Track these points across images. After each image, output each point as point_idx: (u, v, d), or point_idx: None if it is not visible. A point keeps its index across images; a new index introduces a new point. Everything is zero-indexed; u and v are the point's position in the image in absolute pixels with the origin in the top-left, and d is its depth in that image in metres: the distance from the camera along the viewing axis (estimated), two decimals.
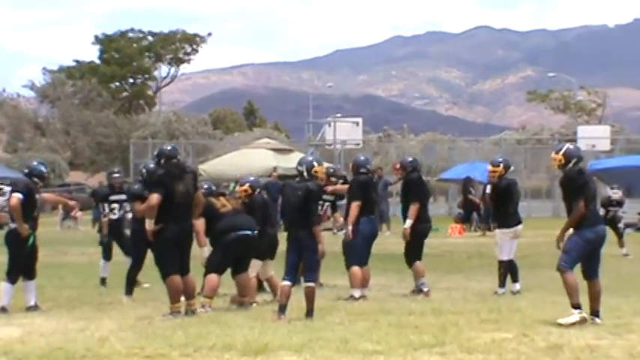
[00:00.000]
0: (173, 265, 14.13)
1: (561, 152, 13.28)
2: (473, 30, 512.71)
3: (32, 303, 15.45)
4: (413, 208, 16.86)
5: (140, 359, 10.62)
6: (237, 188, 16.18)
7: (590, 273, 13.09)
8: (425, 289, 16.63)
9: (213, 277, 14.99)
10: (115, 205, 18.97)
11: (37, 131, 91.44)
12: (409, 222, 16.75)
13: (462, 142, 69.84)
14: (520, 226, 17.30)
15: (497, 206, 17.35)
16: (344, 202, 17.50)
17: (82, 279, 19.85)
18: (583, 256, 12.97)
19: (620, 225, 26.36)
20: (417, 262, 16.80)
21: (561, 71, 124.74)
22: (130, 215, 18.91)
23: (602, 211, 28.99)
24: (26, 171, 15.94)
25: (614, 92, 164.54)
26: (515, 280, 16.98)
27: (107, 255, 19.22)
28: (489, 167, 17.53)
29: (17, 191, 15.32)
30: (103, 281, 18.90)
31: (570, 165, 13.18)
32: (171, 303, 14.17)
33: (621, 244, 26.01)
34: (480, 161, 49.23)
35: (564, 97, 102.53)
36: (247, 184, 15.90)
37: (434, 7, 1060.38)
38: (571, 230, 12.99)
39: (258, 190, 16.00)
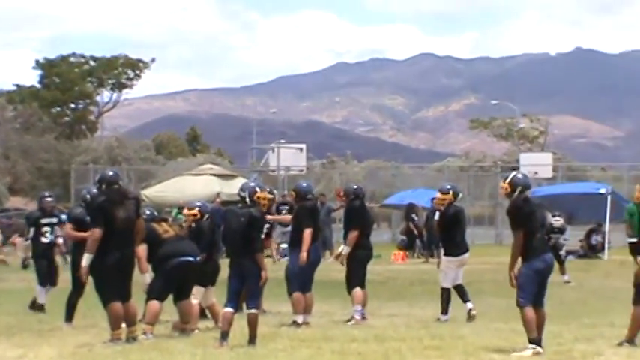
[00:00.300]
0: (114, 292, 14.05)
1: (507, 181, 13.33)
2: (417, 57, 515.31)
3: None
4: (352, 235, 16.93)
5: None
6: (186, 212, 16.15)
7: (537, 301, 13.12)
8: (357, 317, 16.62)
9: (154, 303, 14.91)
10: (47, 229, 18.95)
11: None
12: (346, 249, 16.83)
13: (405, 168, 70.02)
14: (467, 254, 17.36)
15: (445, 234, 17.41)
16: (288, 229, 17.53)
17: (22, 305, 19.68)
18: (536, 286, 12.99)
19: (562, 252, 26.51)
20: (357, 289, 16.78)
21: (504, 99, 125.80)
22: (60, 240, 18.94)
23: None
24: None
25: (556, 120, 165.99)
26: (465, 300, 17.03)
27: (43, 280, 19.09)
28: (438, 195, 17.65)
29: None
30: (41, 307, 18.78)
31: (516, 194, 13.19)
32: (112, 329, 14.08)
33: (563, 271, 26.16)
34: (424, 188, 49.41)
35: (507, 124, 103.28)
36: (196, 209, 15.90)
37: (378, 34, 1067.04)
38: (519, 261, 13.00)
39: (206, 215, 15.99)
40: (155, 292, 14.98)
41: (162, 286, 15.07)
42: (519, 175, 13.63)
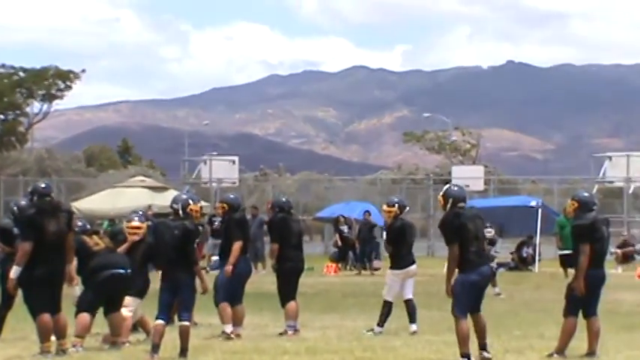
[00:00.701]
0: (43, 304, 13.94)
1: (441, 193, 13.40)
2: (349, 69, 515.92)
3: None
4: (272, 247, 16.97)
5: None
6: (129, 224, 15.90)
7: (475, 309, 13.19)
8: (290, 332, 16.57)
9: (84, 316, 14.82)
10: None
11: None
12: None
13: (338, 181, 70.22)
14: (412, 267, 17.25)
15: (391, 246, 17.34)
16: (218, 240, 17.48)
17: None
18: (472, 298, 13.04)
19: (493, 264, 26.55)
20: (291, 302, 16.72)
21: (436, 111, 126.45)
22: None
23: None
24: None
25: (488, 133, 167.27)
26: (412, 321, 16.97)
27: None
28: (384, 207, 17.58)
29: None
30: None
31: (448, 205, 13.29)
32: (42, 342, 13.98)
33: (494, 284, 26.26)
34: (356, 200, 49.54)
35: (439, 137, 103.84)
36: (137, 220, 15.70)
37: (311, 46, 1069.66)
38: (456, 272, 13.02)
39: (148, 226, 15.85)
40: (85, 305, 14.89)
41: (93, 298, 14.97)
42: (454, 188, 13.67)
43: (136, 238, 15.55)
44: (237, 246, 16.16)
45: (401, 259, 17.14)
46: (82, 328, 14.76)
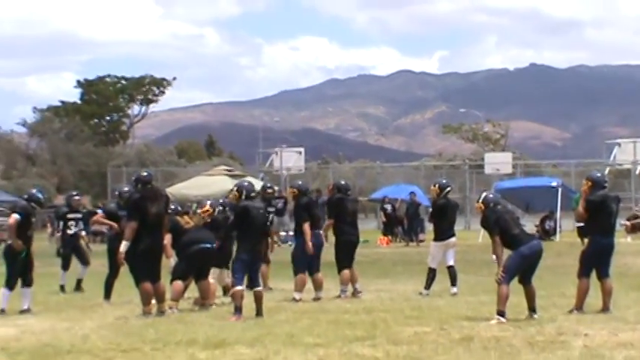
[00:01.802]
0: (145, 274, 14.07)
1: (480, 200, 13.46)
2: (396, 73, 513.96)
3: (26, 307, 15.36)
4: (327, 223, 16.96)
5: (117, 353, 10.56)
6: (200, 210, 16.03)
7: (526, 279, 13.16)
8: (342, 295, 16.47)
9: (178, 283, 14.94)
10: (72, 222, 18.90)
11: (28, 162, 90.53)
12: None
13: (387, 167, 69.99)
14: (453, 239, 17.14)
15: (433, 221, 17.30)
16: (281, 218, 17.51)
17: (68, 286, 19.68)
18: (521, 269, 12.98)
19: None
20: (344, 271, 16.60)
21: (470, 107, 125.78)
22: (84, 232, 18.94)
23: None
24: (26, 197, 15.93)
25: (515, 125, 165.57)
26: (453, 284, 16.85)
27: (66, 265, 19.11)
28: (431, 187, 17.63)
29: (15, 212, 15.36)
30: (62, 288, 18.72)
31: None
32: (144, 305, 14.11)
33: None
34: (404, 183, 49.39)
35: (473, 129, 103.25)
36: (207, 205, 15.75)
37: (363, 54, 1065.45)
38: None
39: (217, 209, 15.89)
40: (178, 273, 15.02)
41: (185, 268, 15.09)
42: (490, 195, 13.67)
43: (208, 219, 15.60)
44: (306, 226, 16.11)
45: (442, 232, 17.02)
46: (177, 293, 14.89)
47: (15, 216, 15.25)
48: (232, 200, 14.59)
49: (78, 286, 18.88)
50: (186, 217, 16.05)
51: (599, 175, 14.34)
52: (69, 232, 18.89)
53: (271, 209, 17.93)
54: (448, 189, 17.36)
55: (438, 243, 17.04)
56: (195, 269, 15.18)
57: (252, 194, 14.09)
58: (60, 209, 20.41)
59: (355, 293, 16.60)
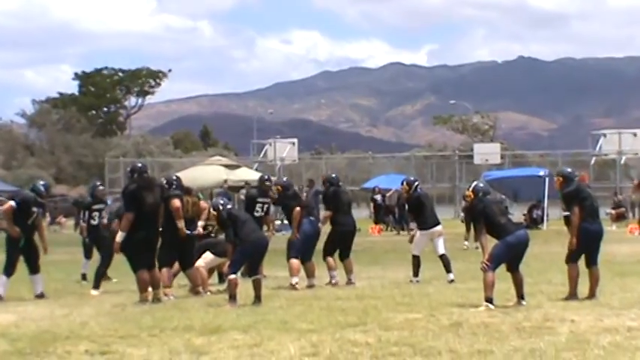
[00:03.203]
0: (142, 262, 14.06)
1: (470, 189, 13.45)
2: (387, 66, 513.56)
3: (39, 292, 15.40)
4: (325, 214, 17.05)
5: (114, 339, 10.56)
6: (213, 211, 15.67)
7: (514, 267, 13.16)
8: (333, 281, 16.53)
9: (166, 269, 14.79)
10: (96, 213, 18.72)
11: (27, 152, 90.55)
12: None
13: (380, 157, 70.07)
14: (438, 227, 17.18)
15: (413, 214, 17.45)
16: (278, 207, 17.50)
17: (66, 273, 19.70)
18: (507, 257, 12.97)
19: None
20: (328, 259, 16.69)
21: (460, 99, 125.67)
22: (105, 220, 18.74)
23: (464, 204, 29.17)
24: (30, 187, 16.01)
25: (503, 116, 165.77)
26: (448, 271, 16.88)
27: (88, 254, 19.01)
28: (401, 187, 17.86)
29: (13, 199, 15.38)
30: (84, 276, 18.68)
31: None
32: (141, 293, 14.10)
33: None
34: (395, 173, 49.47)
35: (462, 120, 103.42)
36: (212, 208, 14.36)
37: (354, 47, 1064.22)
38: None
39: (221, 208, 15.18)
40: (164, 261, 14.76)
41: (168, 255, 14.89)
42: (481, 184, 13.69)
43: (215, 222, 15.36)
44: (297, 210, 16.20)
45: (425, 221, 17.09)
46: (167, 279, 14.74)
47: (10, 203, 15.29)
48: (214, 219, 14.27)
49: (84, 277, 18.74)
50: (190, 198, 15.66)
51: (569, 170, 14.50)
52: (92, 222, 18.69)
53: (267, 200, 18.03)
54: (416, 183, 17.51)
55: (423, 232, 17.10)
56: (177, 256, 15.05)
57: (228, 205, 13.96)
58: (84, 200, 20.28)
59: (348, 283, 16.60)
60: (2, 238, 16.35)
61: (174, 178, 15.63)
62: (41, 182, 16.21)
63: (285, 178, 17.76)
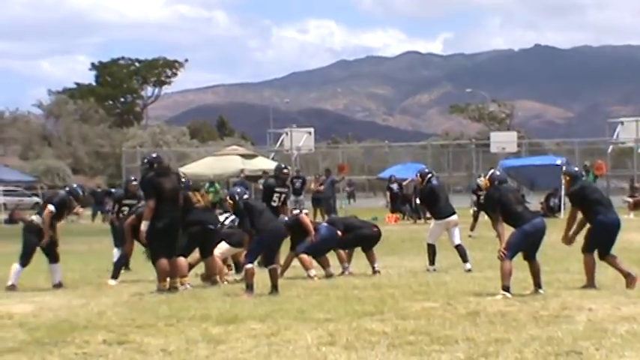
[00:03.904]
0: (163, 251, 14.08)
1: (487, 177, 13.45)
2: (403, 54, 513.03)
3: (57, 281, 15.49)
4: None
5: (132, 329, 10.58)
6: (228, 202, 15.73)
7: (531, 256, 13.12)
8: (346, 272, 16.49)
9: (181, 259, 14.57)
10: (125, 208, 18.49)
11: (44, 142, 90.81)
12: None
13: (396, 146, 69.93)
14: (453, 217, 17.19)
15: (426, 204, 17.48)
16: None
17: (84, 264, 19.76)
18: (524, 245, 12.94)
19: None
20: (338, 250, 16.68)
21: (476, 87, 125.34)
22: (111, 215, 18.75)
23: (474, 197, 29.26)
24: (67, 189, 16.12)
25: (520, 104, 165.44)
26: (465, 260, 16.85)
27: (118, 242, 18.91)
28: (416, 177, 17.92)
29: (52, 203, 15.45)
30: (127, 265, 18.29)
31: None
32: (159, 282, 14.14)
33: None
34: (412, 162, 49.37)
35: (479, 108, 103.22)
36: (228, 197, 14.28)
37: (370, 36, 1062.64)
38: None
39: (237, 198, 15.08)
40: (180, 251, 14.72)
41: (186, 246, 14.94)
42: (497, 173, 13.65)
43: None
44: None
45: (439, 212, 17.10)
46: (182, 268, 14.71)
47: (50, 208, 15.35)
48: (230, 207, 14.25)
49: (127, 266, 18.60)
50: (197, 194, 15.86)
51: (576, 169, 14.68)
52: (121, 216, 18.59)
53: (284, 189, 18.06)
54: (430, 175, 17.47)
55: (438, 222, 17.12)
56: (195, 248, 15.15)
57: (245, 195, 13.93)
58: (117, 193, 20.24)
59: (374, 272, 16.53)
60: (19, 228, 16.43)
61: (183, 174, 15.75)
62: (75, 185, 16.33)
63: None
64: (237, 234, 15.12)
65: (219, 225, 15.32)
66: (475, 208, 27.93)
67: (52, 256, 15.53)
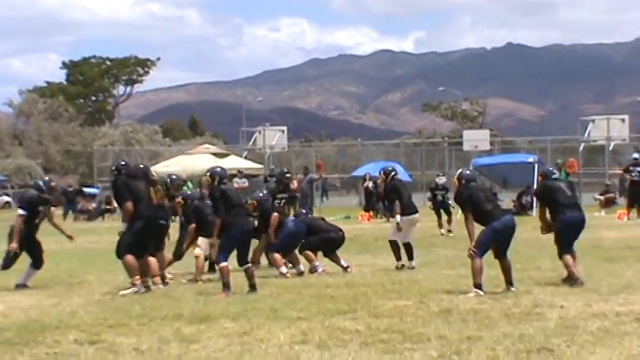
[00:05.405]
0: (131, 248, 14.03)
1: (456, 176, 13.47)
2: (377, 53, 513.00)
3: (23, 282, 15.26)
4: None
5: (104, 328, 10.55)
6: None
7: (501, 254, 13.19)
8: (319, 270, 16.38)
9: (150, 259, 14.42)
10: None
11: (15, 141, 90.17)
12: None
13: (369, 145, 69.97)
14: (416, 215, 17.29)
15: (391, 200, 17.50)
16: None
17: (55, 263, 19.62)
18: (494, 243, 13.02)
19: (452, 203, 25.80)
20: (306, 252, 16.57)
21: (449, 85, 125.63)
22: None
23: (429, 195, 29.46)
24: (31, 184, 16.08)
25: (492, 102, 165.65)
26: (411, 259, 16.93)
27: None
28: (379, 174, 18.03)
29: (20, 207, 15.40)
30: None
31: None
32: (131, 277, 14.05)
33: (449, 222, 26.45)
34: (385, 160, 49.43)
35: (452, 107, 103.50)
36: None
37: (342, 35, 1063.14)
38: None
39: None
40: (137, 251, 14.51)
41: (135, 241, 14.62)
42: (466, 172, 13.75)
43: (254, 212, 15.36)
44: (273, 219, 16.29)
45: (406, 207, 17.13)
46: (152, 267, 14.43)
47: (19, 212, 15.28)
48: (205, 185, 14.33)
49: None
50: (152, 189, 15.38)
51: (550, 168, 14.97)
52: None
53: (285, 195, 18.19)
54: (393, 173, 17.53)
55: (404, 218, 17.08)
56: (150, 243, 14.93)
57: (225, 180, 13.95)
58: (74, 189, 20.22)
59: (345, 270, 16.51)
60: (5, 227, 16.32)
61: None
62: (39, 180, 16.30)
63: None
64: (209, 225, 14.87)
65: (168, 222, 15.10)
66: (430, 204, 28.16)
67: (36, 261, 15.44)
